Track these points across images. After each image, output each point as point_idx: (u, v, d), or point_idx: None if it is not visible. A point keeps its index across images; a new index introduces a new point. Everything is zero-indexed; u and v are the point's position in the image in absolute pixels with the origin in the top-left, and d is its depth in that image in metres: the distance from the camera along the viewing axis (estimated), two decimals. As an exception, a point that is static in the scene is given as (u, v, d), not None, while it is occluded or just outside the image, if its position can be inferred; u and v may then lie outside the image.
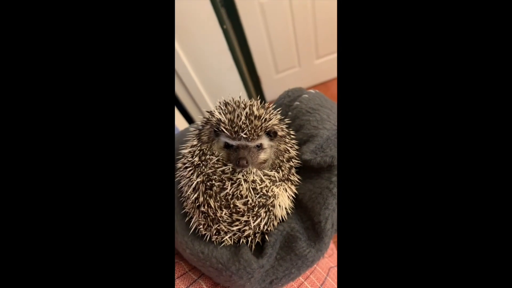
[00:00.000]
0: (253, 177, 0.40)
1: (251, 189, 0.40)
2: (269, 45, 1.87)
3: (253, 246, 0.41)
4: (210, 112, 0.46)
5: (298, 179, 0.45)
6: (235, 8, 1.66)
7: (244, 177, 0.40)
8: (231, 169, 0.41)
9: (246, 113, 0.42)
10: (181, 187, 0.44)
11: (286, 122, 0.48)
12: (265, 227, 0.41)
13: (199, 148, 0.43)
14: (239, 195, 0.39)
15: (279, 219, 0.42)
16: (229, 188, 0.39)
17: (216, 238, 0.41)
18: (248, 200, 0.39)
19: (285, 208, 0.43)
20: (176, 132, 0.83)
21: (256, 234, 0.41)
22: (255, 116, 0.42)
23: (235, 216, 0.39)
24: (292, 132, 0.47)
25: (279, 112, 0.48)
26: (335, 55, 2.06)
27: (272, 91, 2.26)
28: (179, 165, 0.45)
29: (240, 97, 0.47)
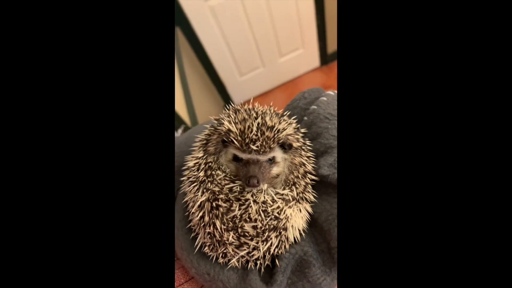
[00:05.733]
0: (264, 198, 0.36)
1: (261, 211, 0.36)
2: (227, 49, 1.74)
3: (263, 269, 0.38)
4: (218, 120, 0.41)
5: (314, 196, 0.41)
6: (184, 15, 1.49)
7: (254, 197, 0.36)
8: (239, 188, 0.37)
9: (258, 123, 0.37)
10: (187, 201, 0.41)
11: (302, 131, 0.43)
12: (276, 249, 0.38)
13: (205, 161, 0.39)
14: (247, 218, 0.36)
15: (291, 241, 0.39)
16: (236, 210, 0.36)
17: (223, 260, 0.38)
18: (258, 224, 0.36)
19: (298, 229, 0.39)
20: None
21: (266, 256, 0.38)
22: (268, 127, 0.37)
23: (243, 240, 0.36)
24: (308, 143, 0.42)
25: (294, 120, 0.43)
26: (299, 51, 1.95)
27: (239, 94, 2.15)
28: (184, 178, 0.41)
29: (251, 102, 0.42)
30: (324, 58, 2.16)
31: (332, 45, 2.02)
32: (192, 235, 0.41)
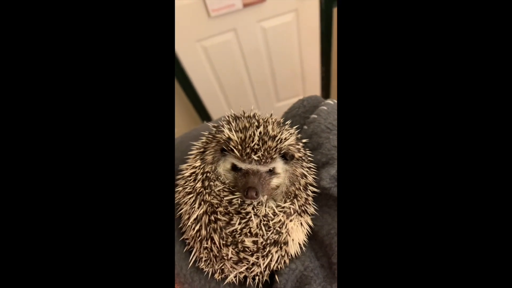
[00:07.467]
0: (265, 211, 0.35)
1: (262, 225, 0.34)
2: (220, 90, 1.63)
3: (261, 285, 0.37)
4: (217, 127, 0.39)
5: (315, 208, 0.40)
6: (175, 55, 1.35)
7: (255, 210, 0.35)
8: (239, 201, 0.35)
9: (260, 132, 0.35)
10: (181, 213, 0.38)
11: (303, 142, 0.41)
12: (276, 264, 0.36)
13: (202, 171, 0.37)
14: (248, 233, 0.34)
15: (292, 256, 0.37)
16: (236, 224, 0.34)
17: (220, 276, 0.36)
18: (259, 239, 0.34)
19: (299, 243, 0.37)
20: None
21: (265, 272, 0.36)
22: (270, 137, 0.35)
23: (242, 255, 0.34)
24: (309, 153, 0.41)
25: (295, 129, 0.41)
26: (298, 97, 1.89)
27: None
28: (179, 188, 0.38)
29: (251, 110, 0.40)
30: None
31: (336, 95, 1.92)
32: (186, 248, 0.38)
